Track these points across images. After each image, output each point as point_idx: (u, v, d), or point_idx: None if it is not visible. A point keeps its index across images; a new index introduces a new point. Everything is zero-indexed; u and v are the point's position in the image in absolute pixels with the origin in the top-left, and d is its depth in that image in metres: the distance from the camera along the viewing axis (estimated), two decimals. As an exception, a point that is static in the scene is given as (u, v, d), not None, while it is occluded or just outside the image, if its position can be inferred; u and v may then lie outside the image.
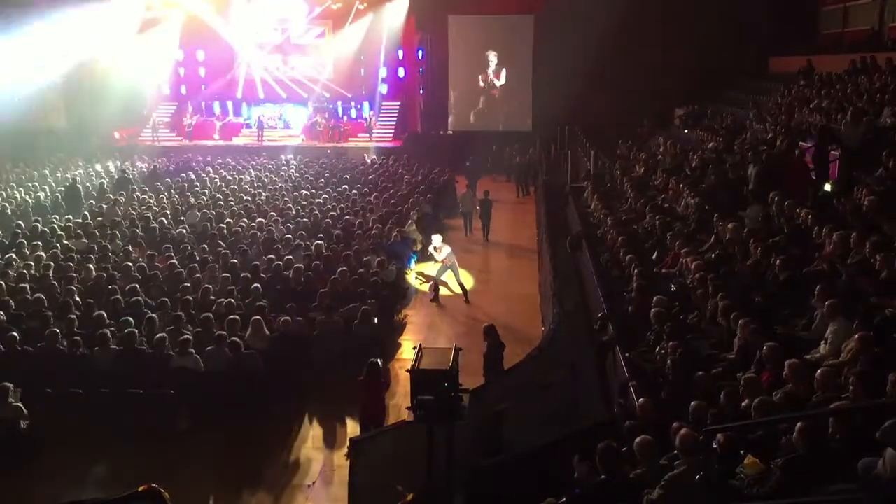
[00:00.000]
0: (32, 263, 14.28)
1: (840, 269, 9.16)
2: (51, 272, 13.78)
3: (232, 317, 11.38)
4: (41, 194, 21.23)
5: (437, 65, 33.25)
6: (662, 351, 8.94)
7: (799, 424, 5.73)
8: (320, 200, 20.11)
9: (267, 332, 11.38)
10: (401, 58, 33.86)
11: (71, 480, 8.90)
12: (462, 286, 16.06)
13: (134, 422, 9.88)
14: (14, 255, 14.64)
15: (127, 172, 24.96)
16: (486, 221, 21.32)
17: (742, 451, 5.97)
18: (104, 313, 11.57)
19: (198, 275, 13.62)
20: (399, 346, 13.38)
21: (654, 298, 10.15)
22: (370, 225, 17.66)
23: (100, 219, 18.04)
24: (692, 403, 6.99)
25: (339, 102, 33.99)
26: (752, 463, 5.75)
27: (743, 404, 6.90)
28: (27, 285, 12.96)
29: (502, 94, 33.15)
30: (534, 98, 32.56)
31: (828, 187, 12.67)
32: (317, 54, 34.20)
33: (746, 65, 28.66)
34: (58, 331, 10.92)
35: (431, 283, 16.02)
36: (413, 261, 17.58)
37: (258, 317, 11.45)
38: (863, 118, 13.36)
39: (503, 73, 32.93)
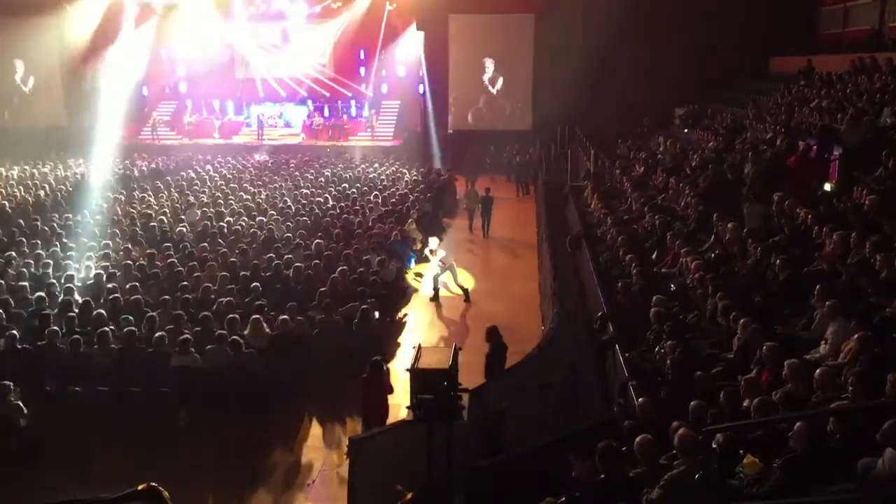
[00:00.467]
0: (32, 262, 14.27)
1: (840, 269, 9.17)
2: (50, 270, 13.78)
3: (231, 316, 11.36)
4: (41, 192, 21.23)
5: (437, 64, 33.21)
6: (662, 350, 8.94)
7: (798, 424, 5.73)
8: (321, 199, 20.12)
9: (267, 331, 11.37)
10: (401, 57, 33.86)
11: (70, 478, 8.89)
12: (462, 287, 16.06)
13: (133, 420, 9.88)
14: (14, 254, 14.64)
15: (128, 171, 24.97)
16: (486, 218, 21.62)
17: (742, 451, 5.97)
18: (104, 312, 11.57)
19: (197, 273, 13.61)
20: (398, 345, 13.37)
21: (654, 298, 10.16)
22: (370, 224, 17.67)
23: (98, 217, 18.04)
24: (692, 403, 7.00)
25: (339, 101, 33.98)
26: (751, 463, 5.75)
27: (743, 404, 6.91)
28: (27, 283, 12.96)
29: (502, 94, 33.13)
30: (534, 97, 32.53)
31: (828, 187, 12.67)
32: (316, 53, 34.17)
33: (746, 64, 28.62)
34: (57, 329, 10.92)
35: (431, 283, 16.01)
36: (413, 260, 17.58)
37: (258, 316, 11.44)
38: (863, 118, 13.37)
39: (500, 80, 32.90)
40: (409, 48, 33.63)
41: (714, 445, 6.16)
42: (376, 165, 27.18)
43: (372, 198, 20.83)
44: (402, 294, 15.61)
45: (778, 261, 9.82)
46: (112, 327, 11.05)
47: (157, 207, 19.27)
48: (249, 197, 20.58)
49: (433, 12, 31.76)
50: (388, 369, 9.84)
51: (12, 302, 12.09)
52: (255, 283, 12.94)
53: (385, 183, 23.52)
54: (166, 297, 12.32)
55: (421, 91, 33.37)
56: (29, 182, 22.99)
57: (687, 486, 5.68)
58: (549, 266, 14.87)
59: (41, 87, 33.11)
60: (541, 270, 16.79)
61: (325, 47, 34.11)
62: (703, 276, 10.43)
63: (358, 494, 7.69)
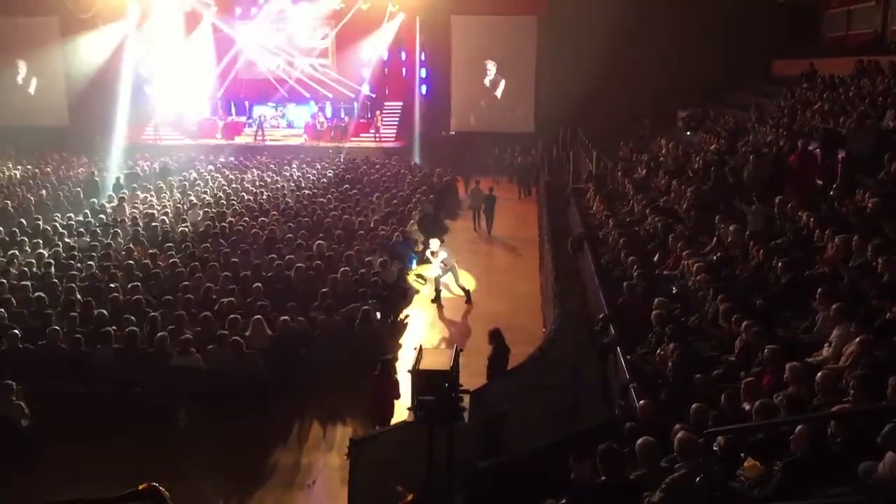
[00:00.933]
0: (34, 261, 14.28)
1: (842, 273, 9.16)
2: (52, 270, 13.79)
3: (233, 316, 11.37)
4: (43, 192, 21.27)
5: (439, 65, 33.23)
6: (663, 353, 8.94)
7: (799, 427, 5.72)
8: (323, 200, 20.13)
9: (268, 331, 11.37)
10: (403, 58, 33.89)
11: (71, 478, 8.89)
12: (463, 288, 16.06)
13: (135, 420, 9.88)
14: (16, 253, 14.65)
15: (131, 170, 25.01)
16: (489, 217, 22.00)
17: (742, 454, 5.96)
18: (105, 312, 11.57)
19: (199, 274, 13.62)
20: (400, 346, 13.37)
21: (656, 300, 10.15)
22: (372, 225, 17.68)
23: (101, 216, 18.06)
24: (693, 405, 6.99)
25: (342, 103, 33.98)
26: (751, 466, 5.75)
27: (744, 407, 6.90)
28: (29, 283, 12.97)
29: (504, 96, 33.13)
30: (536, 99, 32.54)
31: (829, 191, 12.66)
32: (320, 54, 34.19)
33: (749, 67, 28.63)
34: (59, 329, 10.93)
35: (433, 284, 16.01)
36: (414, 261, 17.58)
37: (259, 316, 11.45)
38: (867, 122, 13.38)
39: (502, 83, 32.91)
40: (412, 49, 33.60)
41: (715, 448, 6.15)
42: (378, 166, 27.19)
43: (374, 199, 20.85)
44: (404, 295, 15.59)
45: (780, 264, 9.82)
46: (113, 327, 11.05)
47: (159, 207, 19.29)
48: (251, 197, 20.60)
49: (436, 14, 31.77)
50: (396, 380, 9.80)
51: (14, 301, 12.11)
52: (256, 284, 12.94)
53: (387, 184, 23.53)
54: (168, 296, 12.33)
55: (423, 92, 33.39)
56: (31, 181, 23.02)
57: (688, 488, 5.68)
58: (551, 268, 14.87)
59: (44, 87, 33.15)
60: (542, 272, 16.78)
61: (327, 48, 34.08)
62: (705, 279, 10.43)
63: (358, 495, 7.68)
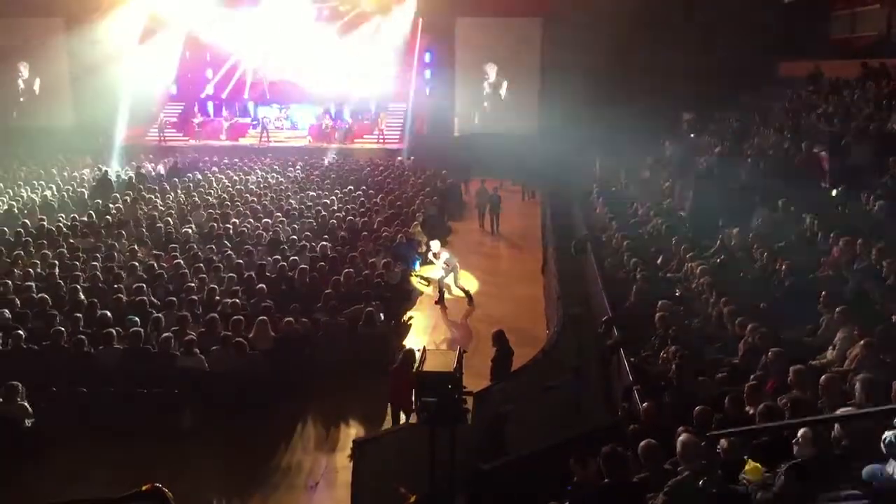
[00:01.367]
0: (38, 262, 14.31)
1: (846, 275, 9.15)
2: (56, 271, 13.81)
3: (236, 317, 11.38)
4: (48, 193, 21.31)
5: (444, 67, 33.23)
6: (666, 355, 8.93)
7: (803, 430, 5.71)
8: (327, 202, 20.15)
9: (272, 332, 11.38)
10: (408, 60, 33.88)
11: (75, 479, 8.91)
12: (463, 289, 16.06)
13: (138, 421, 9.89)
14: (21, 253, 14.68)
15: (135, 172, 25.07)
16: (495, 215, 22.54)
17: (745, 457, 5.95)
18: (109, 312, 11.59)
19: (203, 275, 13.63)
20: (403, 348, 13.33)
21: (659, 303, 10.15)
22: (376, 226, 17.69)
23: (108, 217, 18.09)
24: (696, 408, 6.98)
25: (346, 104, 34.00)
26: (753, 469, 5.73)
27: (747, 410, 6.89)
28: (33, 284, 12.98)
29: (508, 98, 33.12)
30: (540, 102, 32.52)
31: (834, 193, 12.67)
32: (324, 55, 34.21)
33: (754, 69, 28.58)
34: (63, 329, 10.94)
35: (436, 285, 16.02)
36: (418, 263, 17.58)
37: (263, 317, 11.46)
38: (869, 129, 13.39)
39: (504, 84, 32.90)
40: (417, 51, 33.61)
41: (718, 451, 6.14)
42: (381, 168, 27.22)
43: (378, 200, 20.86)
44: (407, 297, 15.59)
45: (783, 266, 9.81)
46: (118, 328, 11.06)
47: (163, 209, 19.32)
48: (255, 199, 20.62)
49: (440, 16, 31.78)
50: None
51: (18, 302, 12.13)
52: (260, 285, 12.95)
53: (391, 186, 23.55)
54: (172, 298, 12.34)
55: (427, 94, 33.39)
56: (35, 182, 23.07)
57: (690, 491, 5.67)
58: (555, 270, 14.87)
59: (49, 88, 33.21)
60: (546, 274, 16.78)
61: (331, 49, 34.10)
62: (708, 282, 10.42)
63: (361, 496, 7.69)
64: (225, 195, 20.98)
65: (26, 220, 17.55)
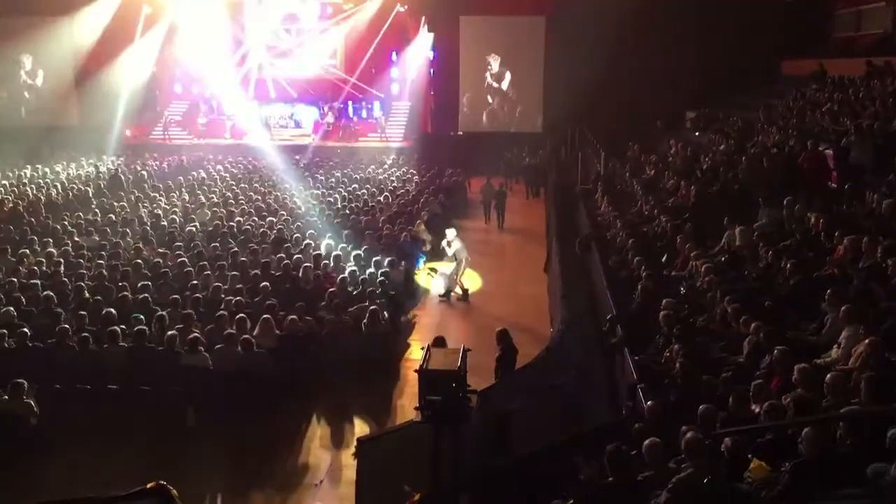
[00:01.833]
0: (43, 260, 14.34)
1: (851, 274, 9.13)
2: (62, 269, 13.84)
3: (241, 315, 11.39)
4: (53, 191, 21.36)
5: (448, 65, 33.24)
6: (670, 354, 8.92)
7: (808, 431, 5.70)
8: (331, 200, 20.17)
9: (276, 330, 11.39)
10: (411, 58, 33.89)
11: (79, 477, 8.93)
12: (463, 286, 16.08)
13: (143, 419, 9.91)
14: (26, 252, 14.72)
15: (140, 170, 25.12)
16: (500, 211, 22.85)
17: (749, 455, 5.95)
18: (114, 310, 11.61)
19: (207, 273, 13.65)
20: (408, 346, 13.37)
21: (664, 301, 10.14)
22: (380, 225, 17.69)
23: (111, 216, 18.12)
24: (701, 407, 6.97)
25: (350, 102, 34.02)
26: (758, 467, 5.73)
27: (752, 408, 6.88)
28: (38, 282, 13.01)
29: (513, 96, 33.11)
30: (544, 100, 32.52)
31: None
32: (327, 53, 34.25)
33: (758, 68, 28.54)
34: (68, 327, 10.96)
35: (457, 283, 16.03)
36: (422, 261, 17.60)
37: (267, 315, 11.47)
38: (871, 133, 13.36)
39: (507, 75, 32.85)
40: (420, 49, 33.63)
41: (722, 449, 6.14)
42: (386, 166, 27.21)
43: (382, 199, 20.87)
44: (412, 295, 15.62)
45: (788, 265, 9.79)
46: (122, 326, 11.08)
47: (167, 207, 19.35)
48: (259, 197, 20.64)
49: (444, 14, 31.78)
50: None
51: (23, 300, 12.16)
52: (264, 283, 12.95)
53: (395, 184, 23.57)
54: (176, 296, 12.35)
55: (432, 92, 33.39)
56: (41, 181, 23.12)
57: (695, 489, 5.67)
58: (559, 268, 14.86)
59: (54, 87, 33.26)
60: (550, 272, 16.77)
61: (335, 48, 34.15)
62: (713, 280, 10.41)
63: (365, 494, 7.70)
64: (229, 193, 21.00)
65: (32, 219, 17.60)
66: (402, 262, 15.47)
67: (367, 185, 22.85)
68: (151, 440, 9.68)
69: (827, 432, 5.76)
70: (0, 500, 8.69)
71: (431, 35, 33.12)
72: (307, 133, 33.52)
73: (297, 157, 28.72)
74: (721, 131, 21.33)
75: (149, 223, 17.37)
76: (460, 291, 16.01)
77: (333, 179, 24.02)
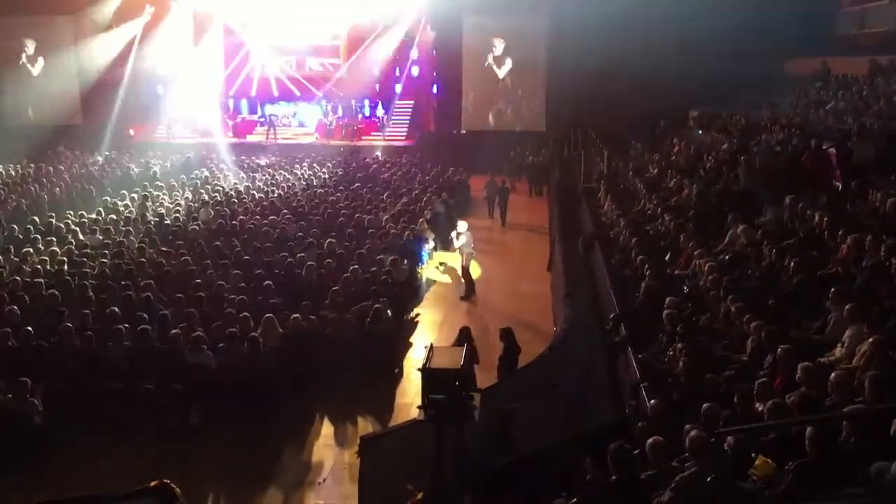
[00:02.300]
0: (47, 259, 14.37)
1: (854, 273, 9.12)
2: (65, 268, 13.86)
3: (244, 314, 11.40)
4: (57, 190, 21.38)
5: (451, 64, 33.19)
6: (674, 352, 8.91)
7: (811, 430, 5.70)
8: (333, 198, 20.18)
9: (279, 329, 11.40)
10: (415, 57, 33.86)
11: (83, 475, 8.96)
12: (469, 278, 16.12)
13: (146, 418, 9.93)
14: (29, 250, 14.74)
15: (143, 169, 25.15)
16: (503, 208, 23.10)
17: (753, 454, 5.94)
18: (118, 309, 11.62)
19: (210, 272, 13.67)
20: (411, 344, 13.38)
21: (667, 300, 10.13)
22: (383, 223, 17.70)
23: (113, 216, 18.14)
24: (704, 405, 6.96)
25: (353, 101, 34.00)
26: (763, 464, 5.72)
27: (756, 407, 6.87)
28: (42, 281, 13.03)
29: (511, 86, 33.00)
30: (547, 98, 32.48)
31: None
32: (331, 53, 34.24)
33: (762, 66, 28.46)
34: (71, 326, 10.98)
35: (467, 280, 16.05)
36: (425, 260, 17.61)
37: (270, 314, 11.48)
38: (875, 131, 13.35)
39: (508, 61, 32.77)
40: (423, 48, 33.60)
41: (726, 448, 6.13)
42: (388, 165, 27.21)
43: (385, 197, 20.88)
44: (415, 294, 15.62)
45: (792, 263, 9.78)
46: (126, 325, 11.10)
47: (170, 206, 19.37)
48: (263, 195, 20.66)
49: (448, 12, 31.74)
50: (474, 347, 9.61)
51: (27, 299, 12.18)
52: (267, 282, 12.97)
53: (398, 183, 23.57)
54: (179, 295, 12.37)
55: (435, 91, 33.35)
56: (45, 179, 23.15)
57: (698, 488, 5.66)
58: (562, 267, 14.85)
59: (58, 85, 33.26)
60: (553, 271, 16.76)
61: (338, 47, 34.13)
62: (717, 278, 10.39)
63: (368, 493, 7.70)
64: (232, 192, 21.02)
65: (35, 217, 17.63)
66: (406, 261, 15.46)
67: (370, 184, 22.87)
68: (155, 439, 9.70)
69: (831, 431, 5.74)
70: (5, 498, 8.71)
71: (435, 34, 33.06)
72: (310, 132, 33.51)
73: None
74: (724, 130, 21.30)
75: (152, 222, 17.39)
76: (463, 285, 16.02)
77: (336, 178, 24.03)
